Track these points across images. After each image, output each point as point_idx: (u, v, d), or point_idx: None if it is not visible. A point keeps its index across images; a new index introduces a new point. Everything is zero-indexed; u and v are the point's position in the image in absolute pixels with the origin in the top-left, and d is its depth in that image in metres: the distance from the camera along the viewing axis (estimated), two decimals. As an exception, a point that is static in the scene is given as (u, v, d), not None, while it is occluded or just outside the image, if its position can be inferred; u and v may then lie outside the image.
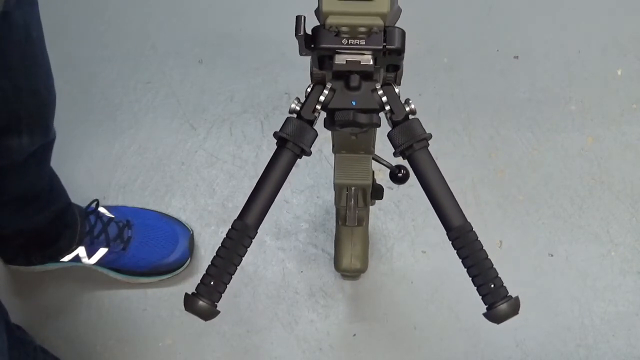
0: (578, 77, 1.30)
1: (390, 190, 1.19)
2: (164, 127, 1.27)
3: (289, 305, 1.14)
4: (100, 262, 1.11)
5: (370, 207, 1.03)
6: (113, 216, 1.13)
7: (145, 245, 1.13)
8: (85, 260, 1.10)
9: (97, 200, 1.12)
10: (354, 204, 0.88)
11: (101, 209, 1.13)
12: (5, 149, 0.81)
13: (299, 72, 1.30)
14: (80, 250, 1.09)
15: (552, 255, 1.16)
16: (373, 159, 0.82)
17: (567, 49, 1.32)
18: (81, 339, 1.13)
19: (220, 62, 1.33)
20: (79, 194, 1.12)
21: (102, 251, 1.10)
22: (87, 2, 1.40)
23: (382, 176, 1.08)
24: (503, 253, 1.16)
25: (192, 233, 1.17)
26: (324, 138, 1.22)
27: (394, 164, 0.87)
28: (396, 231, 1.18)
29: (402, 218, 1.19)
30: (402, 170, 0.85)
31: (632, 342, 1.11)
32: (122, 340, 1.13)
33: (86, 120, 1.28)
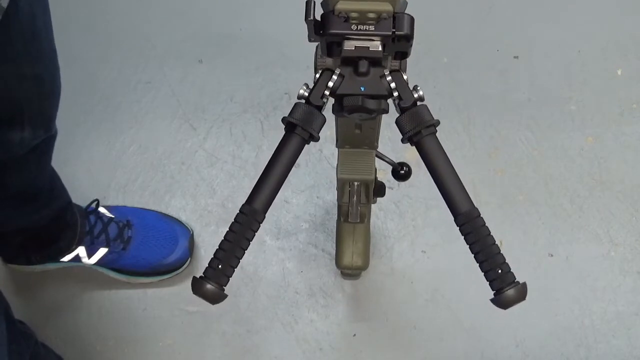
0: (578, 77, 1.30)
1: (391, 190, 1.19)
2: (164, 127, 1.27)
3: (289, 305, 1.14)
4: (100, 262, 1.11)
5: (372, 206, 1.03)
6: (113, 216, 1.13)
7: (145, 245, 1.13)
8: (85, 260, 1.10)
9: (97, 200, 1.12)
10: (356, 200, 0.88)
11: (101, 209, 1.13)
12: (7, 142, 0.80)
13: (299, 72, 1.30)
14: (80, 250, 1.09)
15: (552, 255, 1.16)
16: (376, 155, 0.82)
17: (567, 49, 1.32)
18: (81, 339, 1.13)
19: (220, 62, 1.33)
20: (79, 194, 1.12)
21: (102, 251, 1.10)
22: (87, 2, 1.40)
23: (382, 176, 1.08)
24: (503, 253, 1.15)
25: (192, 233, 1.17)
26: (325, 138, 1.22)
27: (396, 162, 0.87)
28: (396, 231, 1.18)
29: (402, 218, 1.19)
30: (405, 168, 0.85)
31: (632, 342, 1.11)
32: (122, 340, 1.13)
33: (86, 120, 1.28)
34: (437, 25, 1.35)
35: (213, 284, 0.52)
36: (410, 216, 1.19)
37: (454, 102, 1.28)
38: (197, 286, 0.52)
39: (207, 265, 0.52)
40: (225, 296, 0.52)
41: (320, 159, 1.23)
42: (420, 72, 1.30)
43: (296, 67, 1.31)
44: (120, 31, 1.36)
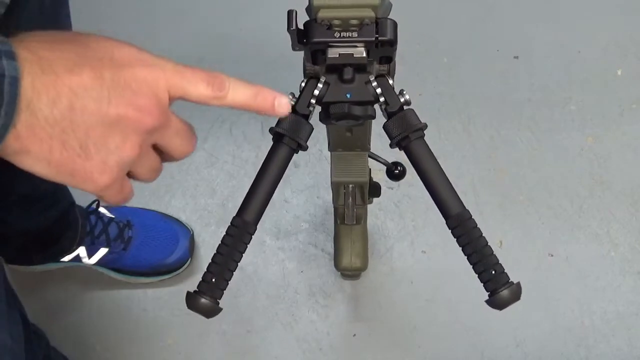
0: (578, 77, 1.30)
1: (390, 190, 1.19)
2: (164, 127, 1.27)
3: (289, 305, 1.14)
4: (100, 262, 1.11)
5: (370, 207, 1.03)
6: (113, 216, 1.13)
7: (145, 246, 1.13)
8: (85, 260, 1.10)
9: (97, 200, 1.12)
10: (351, 202, 0.88)
11: (101, 209, 1.13)
12: None
13: (299, 72, 1.30)
14: (81, 250, 1.09)
15: (552, 255, 1.16)
16: (369, 156, 0.82)
17: (567, 49, 1.32)
18: (81, 339, 1.13)
19: (220, 62, 1.33)
20: (79, 194, 1.12)
21: (102, 251, 1.10)
22: (87, 2, 1.40)
23: (381, 176, 1.08)
24: (503, 253, 1.15)
25: (192, 233, 1.17)
26: (324, 138, 1.22)
27: (389, 162, 0.87)
28: (396, 231, 1.18)
29: (402, 218, 1.19)
30: (399, 167, 0.86)
31: (632, 342, 1.11)
32: (122, 340, 1.13)
33: (86, 120, 1.28)
34: (437, 25, 1.35)
35: (207, 298, 0.52)
36: (410, 216, 1.19)
37: (454, 102, 1.28)
38: (192, 301, 0.52)
39: (200, 279, 0.53)
40: (220, 309, 0.52)
41: (320, 159, 1.23)
42: (420, 72, 1.30)
43: (296, 67, 1.30)
44: (121, 31, 1.36)
